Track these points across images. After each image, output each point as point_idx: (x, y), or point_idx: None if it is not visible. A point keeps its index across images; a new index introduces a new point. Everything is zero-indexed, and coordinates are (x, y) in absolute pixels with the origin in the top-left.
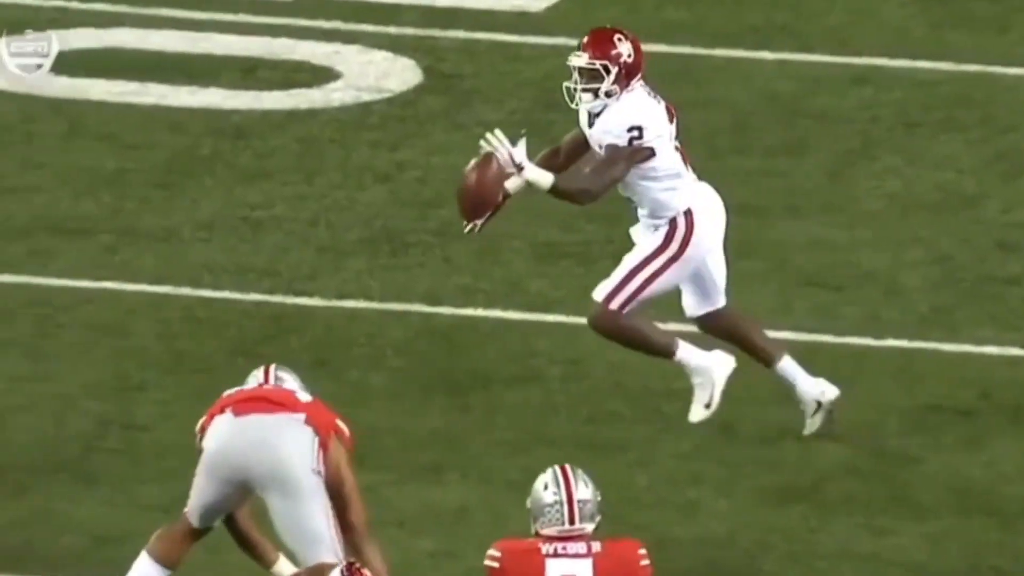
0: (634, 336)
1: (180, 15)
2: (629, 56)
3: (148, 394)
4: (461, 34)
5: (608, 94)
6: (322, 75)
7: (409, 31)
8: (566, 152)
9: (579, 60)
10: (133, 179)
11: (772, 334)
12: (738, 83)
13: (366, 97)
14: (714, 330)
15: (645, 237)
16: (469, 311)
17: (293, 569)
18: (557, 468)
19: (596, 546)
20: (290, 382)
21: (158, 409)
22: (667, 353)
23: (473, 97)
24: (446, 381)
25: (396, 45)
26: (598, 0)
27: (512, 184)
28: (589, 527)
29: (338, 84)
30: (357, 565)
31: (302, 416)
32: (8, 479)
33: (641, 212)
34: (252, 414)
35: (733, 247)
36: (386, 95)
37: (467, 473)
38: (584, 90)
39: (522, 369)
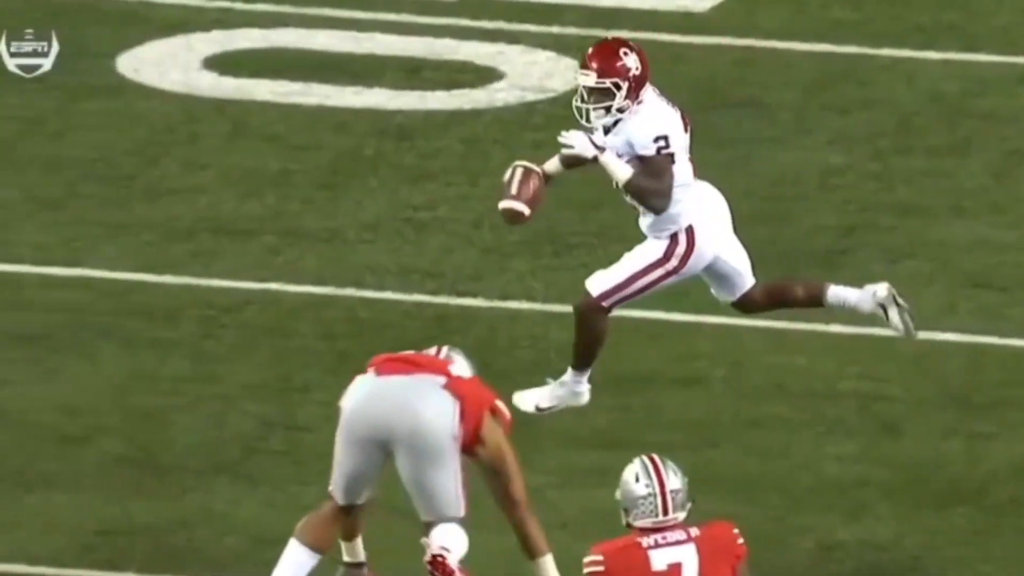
0: (600, 336)
1: (344, 15)
2: (637, 69)
3: (310, 395)
4: (624, 34)
5: (620, 110)
6: (486, 75)
7: (572, 31)
8: (567, 164)
9: (587, 80)
10: (297, 180)
11: (937, 336)
12: (903, 83)
13: (530, 97)
14: (754, 308)
15: (647, 243)
16: (631, 313)
17: (364, 555)
18: (645, 459)
19: (694, 531)
20: (460, 361)
21: (320, 410)
22: (591, 361)
23: None
24: (608, 382)
25: (559, 45)
26: (763, 0)
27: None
28: (682, 515)
29: (502, 84)
30: (441, 558)
31: (443, 380)
32: (171, 480)
33: (644, 221)
34: (394, 375)
35: (897, 248)
36: (549, 95)
37: None
38: (595, 109)
39: (684, 371)
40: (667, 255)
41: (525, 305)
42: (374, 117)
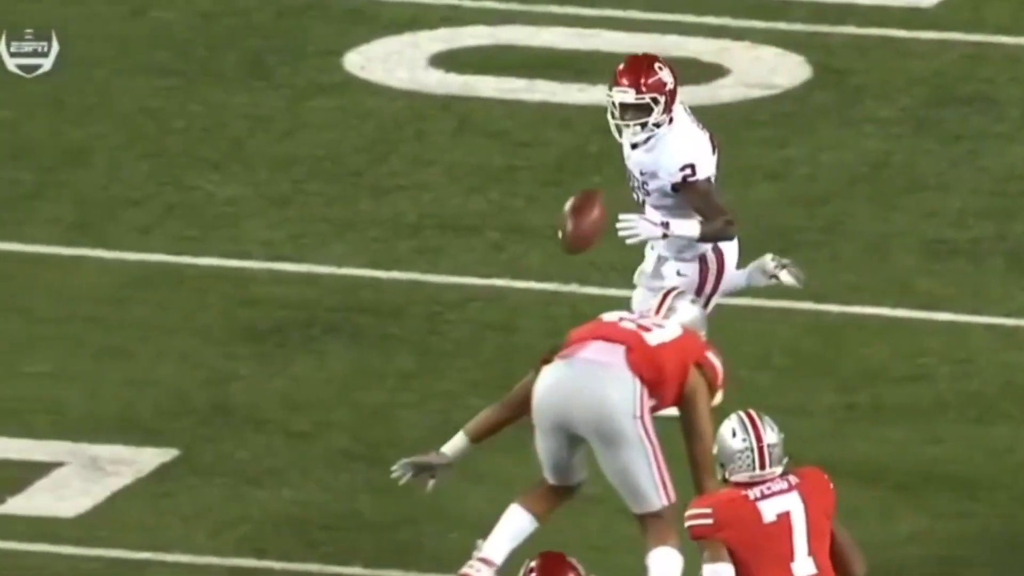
0: None
1: (570, 12)
2: (671, 83)
3: None
4: (852, 30)
5: (656, 125)
6: (710, 72)
7: (799, 27)
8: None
9: (626, 96)
10: (522, 176)
11: None
12: None
13: (755, 94)
14: None
15: (677, 277)
16: (856, 309)
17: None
18: (743, 414)
19: (793, 479)
20: (681, 310)
21: None
22: None
23: (863, 93)
24: (833, 379)
25: (785, 41)
26: None
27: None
28: (778, 470)
29: (726, 81)
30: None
31: (623, 357)
32: None
33: (665, 249)
34: (579, 359)
35: None
36: (775, 91)
37: (856, 472)
38: (632, 126)
39: (911, 368)
40: (702, 283)
41: (749, 301)
42: (599, 114)
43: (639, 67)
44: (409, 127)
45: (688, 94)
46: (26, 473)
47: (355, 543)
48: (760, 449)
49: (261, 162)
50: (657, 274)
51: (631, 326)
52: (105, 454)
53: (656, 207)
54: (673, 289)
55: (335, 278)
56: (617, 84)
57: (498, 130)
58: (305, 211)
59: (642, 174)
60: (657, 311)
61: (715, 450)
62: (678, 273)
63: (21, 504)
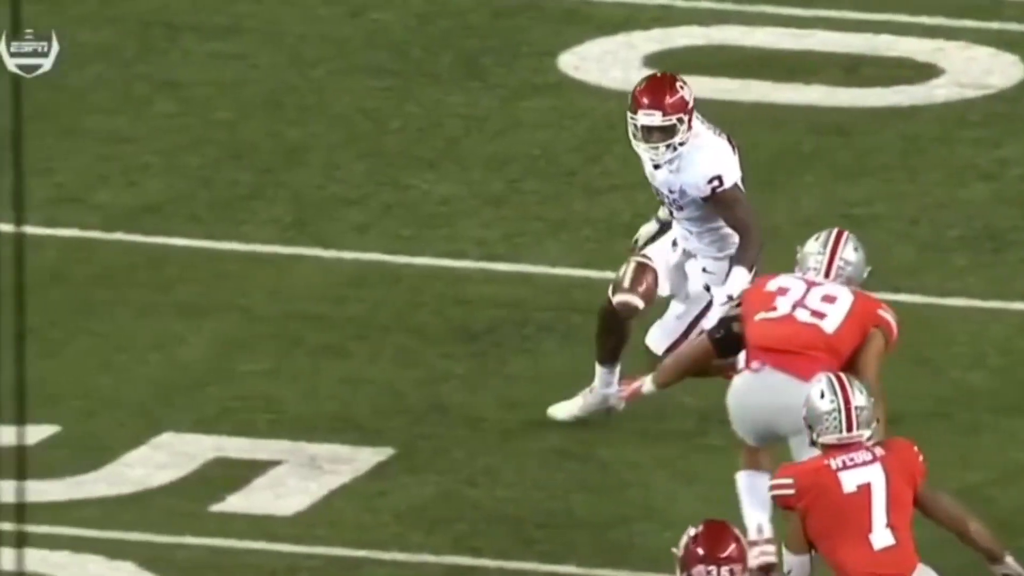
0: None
1: (784, 12)
2: (691, 99)
3: None
4: None
5: (682, 143)
6: (925, 72)
7: (1014, 27)
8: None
9: (653, 119)
10: None
11: None
12: None
13: (969, 94)
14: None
15: (695, 287)
16: None
17: None
18: (831, 376)
19: (878, 450)
20: (851, 267)
21: None
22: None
23: None
24: None
25: (1000, 41)
26: None
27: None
28: (867, 433)
29: (941, 81)
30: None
31: (812, 370)
32: (611, 474)
33: (700, 248)
34: (769, 373)
35: None
36: (989, 92)
37: None
38: (660, 147)
39: None
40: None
41: (963, 302)
42: (811, 114)
43: (662, 88)
44: (622, 127)
45: (901, 94)
46: (245, 471)
47: (569, 541)
48: (848, 411)
49: (476, 162)
50: (680, 270)
51: (807, 317)
52: (323, 453)
53: (691, 219)
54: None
55: (549, 277)
56: (641, 107)
57: None
58: (519, 210)
59: (671, 192)
60: (827, 267)
61: (803, 413)
62: (704, 270)
63: (240, 502)
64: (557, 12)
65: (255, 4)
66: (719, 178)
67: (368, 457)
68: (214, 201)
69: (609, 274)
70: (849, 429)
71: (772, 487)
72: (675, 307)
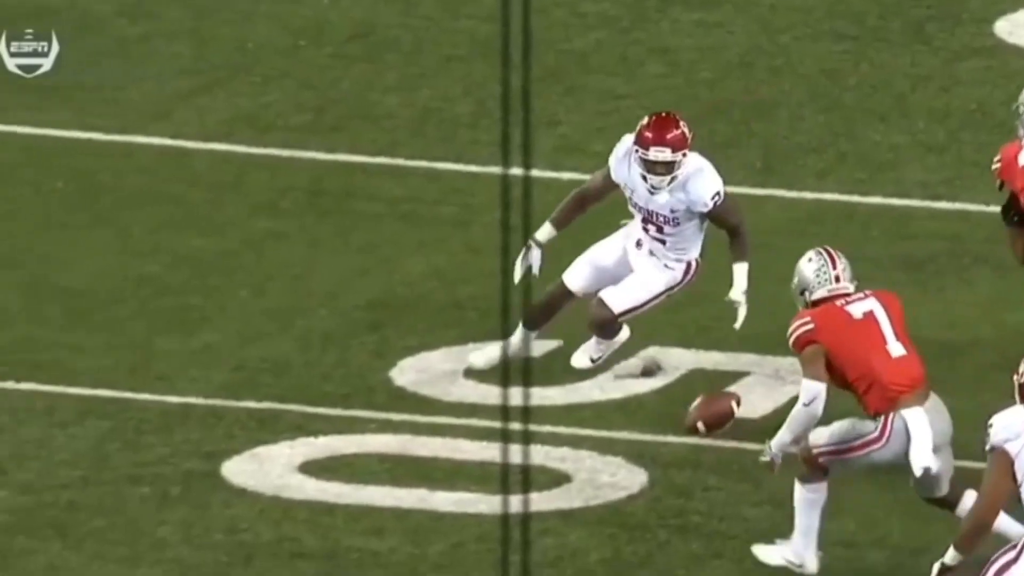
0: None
1: None
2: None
3: None
4: None
5: (680, 170)
6: None
7: None
8: (594, 197)
9: (664, 155)
10: None
11: None
12: None
13: None
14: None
15: (659, 270)
16: None
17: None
18: (816, 249)
19: (867, 292)
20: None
21: None
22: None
23: None
24: None
25: None
26: None
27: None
28: (851, 286)
29: None
30: None
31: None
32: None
33: (659, 247)
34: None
35: None
36: None
37: None
38: (668, 178)
39: None
40: (683, 282)
41: None
42: None
43: (669, 127)
44: None
45: None
46: (719, 381)
47: None
48: (834, 266)
49: (920, 114)
50: (635, 261)
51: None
52: (784, 365)
53: (673, 232)
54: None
55: (983, 215)
56: (653, 145)
57: None
58: (958, 157)
59: (672, 211)
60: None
61: (793, 284)
62: (665, 266)
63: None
64: None
65: None
66: (718, 192)
67: None
68: (694, 149)
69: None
70: (838, 281)
71: (792, 330)
72: (638, 272)
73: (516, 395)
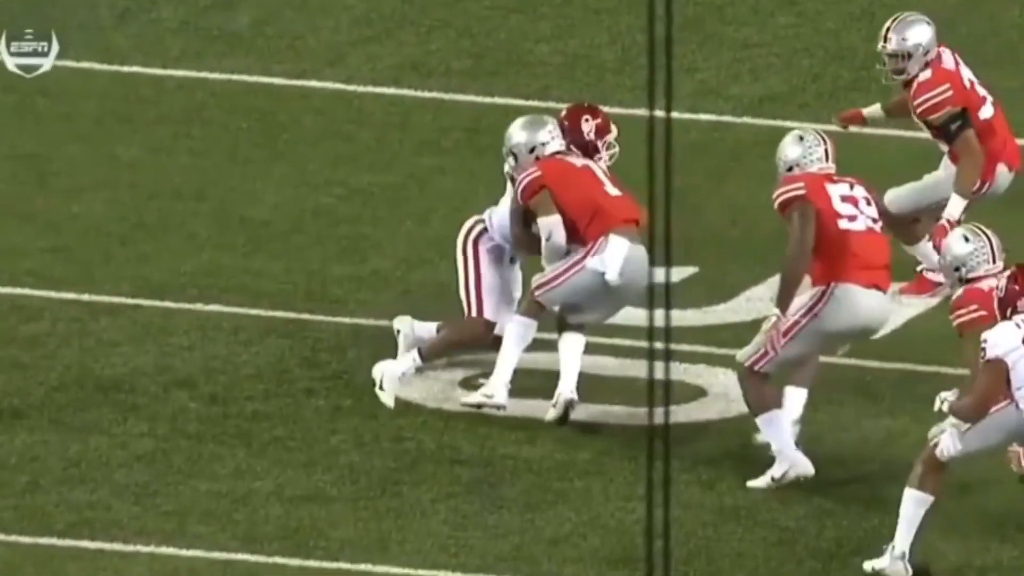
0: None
1: None
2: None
3: None
4: None
5: None
6: None
7: None
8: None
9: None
10: None
11: None
12: None
13: None
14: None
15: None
16: None
17: None
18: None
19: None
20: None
21: None
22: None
23: None
24: None
25: None
26: None
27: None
28: (1000, 265)
29: None
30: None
31: None
32: None
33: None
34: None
35: None
36: None
37: None
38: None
39: None
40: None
41: None
42: None
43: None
44: None
45: None
46: None
47: None
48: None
49: None
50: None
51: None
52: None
53: None
54: None
55: None
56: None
57: None
58: None
59: None
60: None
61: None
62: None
63: None
64: None
65: None
66: None
67: None
68: (820, 92)
69: None
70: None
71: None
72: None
73: (659, 318)
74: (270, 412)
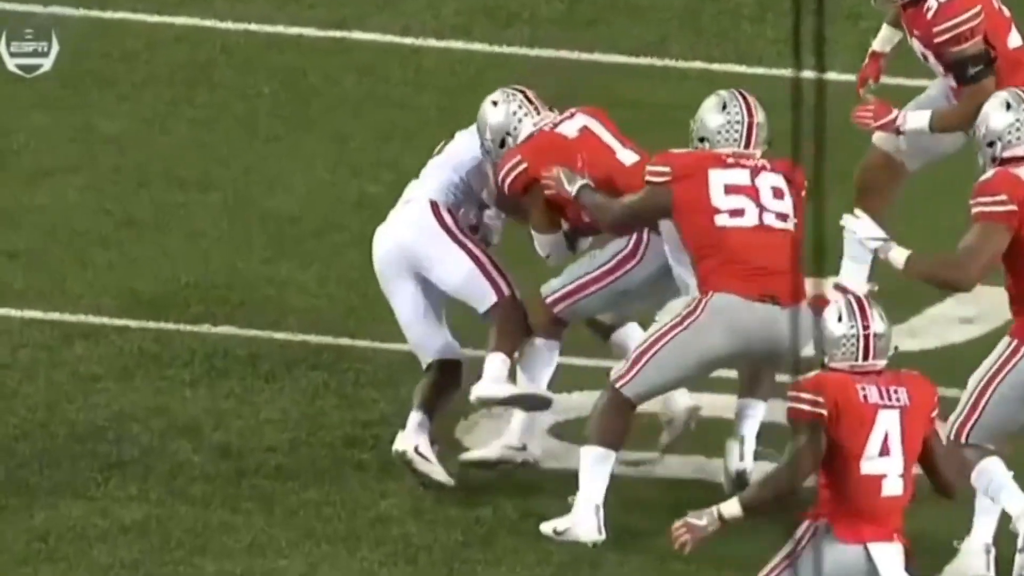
0: None
1: None
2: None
3: None
4: None
5: None
6: None
7: None
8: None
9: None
10: None
11: None
12: None
13: None
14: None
15: None
16: None
17: None
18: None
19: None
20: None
21: None
22: None
23: None
24: None
25: None
26: None
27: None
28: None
29: None
30: None
31: None
32: None
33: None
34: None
35: None
36: None
37: None
38: None
39: None
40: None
41: None
42: None
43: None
44: None
45: None
46: None
47: None
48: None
49: None
50: None
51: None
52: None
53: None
54: None
55: None
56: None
57: None
58: None
59: None
60: None
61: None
62: None
63: None
64: None
65: None
66: None
67: None
68: None
69: None
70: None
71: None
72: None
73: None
74: (298, 468)
